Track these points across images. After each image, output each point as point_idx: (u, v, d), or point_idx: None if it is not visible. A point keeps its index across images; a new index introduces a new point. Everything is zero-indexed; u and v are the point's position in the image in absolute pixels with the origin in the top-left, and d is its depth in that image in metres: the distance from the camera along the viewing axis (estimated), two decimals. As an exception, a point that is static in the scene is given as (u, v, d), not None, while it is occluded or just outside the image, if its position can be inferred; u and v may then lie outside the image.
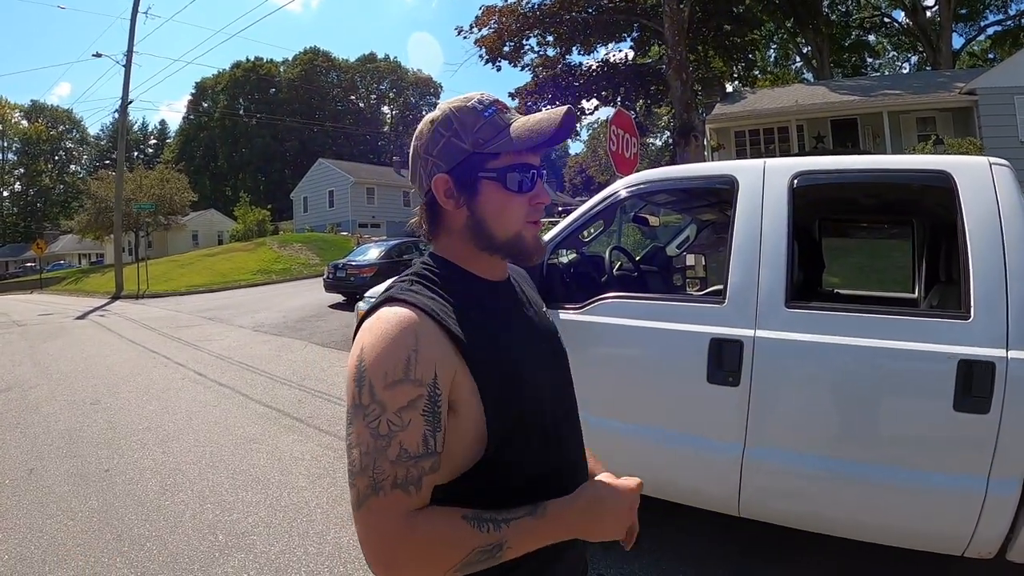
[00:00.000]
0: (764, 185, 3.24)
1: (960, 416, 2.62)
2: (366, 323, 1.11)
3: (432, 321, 1.09)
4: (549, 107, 23.94)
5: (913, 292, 5.61)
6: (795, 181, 3.20)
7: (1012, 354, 2.57)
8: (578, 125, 26.16)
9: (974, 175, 2.90)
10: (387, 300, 1.13)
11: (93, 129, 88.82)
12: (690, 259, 6.70)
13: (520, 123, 1.18)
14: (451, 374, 1.08)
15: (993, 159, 2.96)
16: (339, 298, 17.13)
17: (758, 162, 3.37)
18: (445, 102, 1.23)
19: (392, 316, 1.08)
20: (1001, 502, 2.60)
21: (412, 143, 1.25)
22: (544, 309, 1.41)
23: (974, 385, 2.59)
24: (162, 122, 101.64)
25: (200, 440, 6.08)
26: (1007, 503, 2.59)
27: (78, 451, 5.88)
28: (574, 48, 23.41)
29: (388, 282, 1.27)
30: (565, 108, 1.16)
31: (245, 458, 5.54)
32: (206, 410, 7.20)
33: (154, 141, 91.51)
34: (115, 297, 25.55)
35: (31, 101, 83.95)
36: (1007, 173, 2.88)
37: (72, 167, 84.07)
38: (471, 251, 1.23)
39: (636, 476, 1.23)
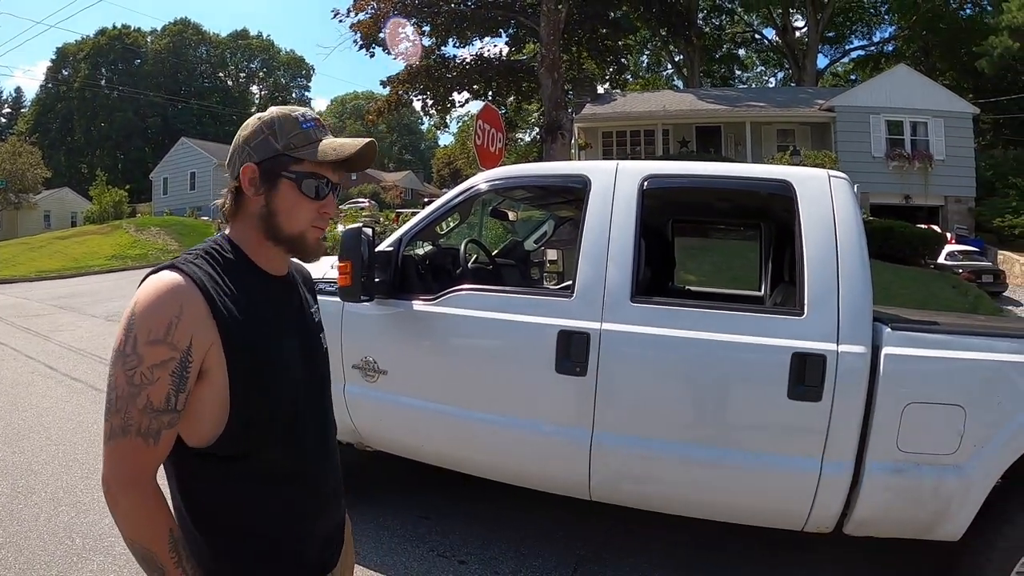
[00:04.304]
0: (615, 186, 3.33)
1: (795, 404, 2.83)
2: (147, 281, 1.23)
3: (200, 294, 1.21)
4: (421, 98, 23.92)
5: (760, 290, 5.89)
6: (645, 183, 3.32)
7: (842, 348, 2.81)
8: (448, 117, 26.06)
9: (813, 185, 3.13)
10: (170, 266, 1.25)
11: (-58, 93, 79.54)
12: (551, 254, 6.79)
13: (328, 142, 1.33)
14: (207, 345, 1.21)
15: (833, 172, 3.20)
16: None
17: (611, 164, 3.48)
18: (276, 108, 1.39)
19: (169, 281, 1.21)
20: (834, 482, 2.84)
21: (238, 132, 1.37)
22: (314, 308, 1.56)
23: (807, 376, 2.80)
24: (17, 89, 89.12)
25: (52, 439, 5.66)
26: (840, 483, 2.84)
27: (-81, 453, 5.31)
28: (450, 40, 23.25)
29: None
30: (368, 139, 1.34)
31: (100, 456, 5.12)
32: (58, 406, 6.70)
33: (8, 110, 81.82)
34: (-42, 282, 23.43)
35: None
36: (844, 185, 3.12)
37: (-84, 135, 75.48)
38: (259, 240, 1.36)
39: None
